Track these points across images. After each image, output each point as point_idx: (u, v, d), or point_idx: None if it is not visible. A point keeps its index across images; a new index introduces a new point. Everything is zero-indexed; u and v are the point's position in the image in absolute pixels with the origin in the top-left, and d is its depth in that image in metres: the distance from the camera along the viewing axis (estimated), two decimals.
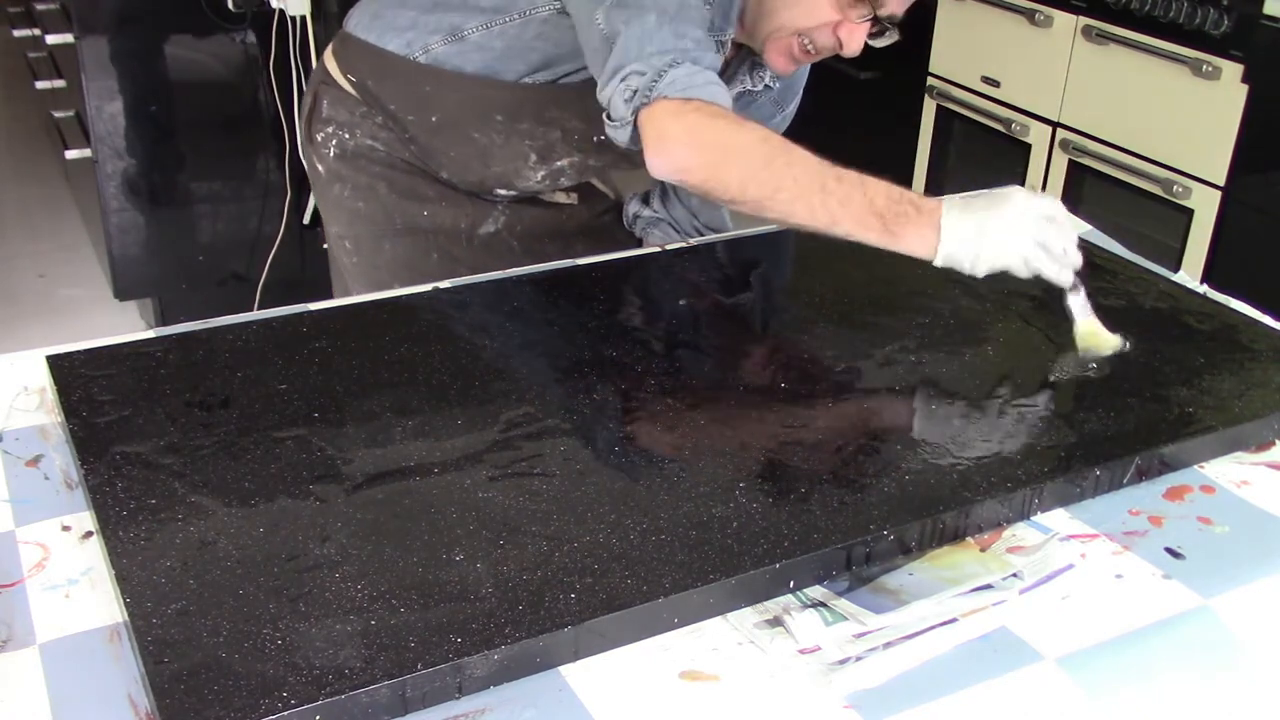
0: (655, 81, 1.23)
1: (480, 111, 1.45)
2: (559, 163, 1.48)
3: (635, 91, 1.24)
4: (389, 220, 1.55)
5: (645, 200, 1.64)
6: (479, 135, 1.46)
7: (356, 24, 1.52)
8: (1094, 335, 1.26)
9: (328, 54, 1.57)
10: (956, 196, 1.22)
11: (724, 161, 1.23)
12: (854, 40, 1.33)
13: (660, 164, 1.26)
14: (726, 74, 1.49)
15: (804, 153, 1.22)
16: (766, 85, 1.52)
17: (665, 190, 1.64)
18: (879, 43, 1.37)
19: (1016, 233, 1.18)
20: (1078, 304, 1.26)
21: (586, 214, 1.60)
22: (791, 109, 1.61)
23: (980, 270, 1.20)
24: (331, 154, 1.55)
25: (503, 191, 1.53)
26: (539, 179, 1.50)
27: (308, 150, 1.60)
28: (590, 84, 1.40)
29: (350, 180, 1.55)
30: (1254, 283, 2.32)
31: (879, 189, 1.21)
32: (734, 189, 1.23)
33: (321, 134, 1.56)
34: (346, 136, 1.54)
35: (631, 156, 1.49)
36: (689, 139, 1.23)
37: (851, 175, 1.22)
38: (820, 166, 1.22)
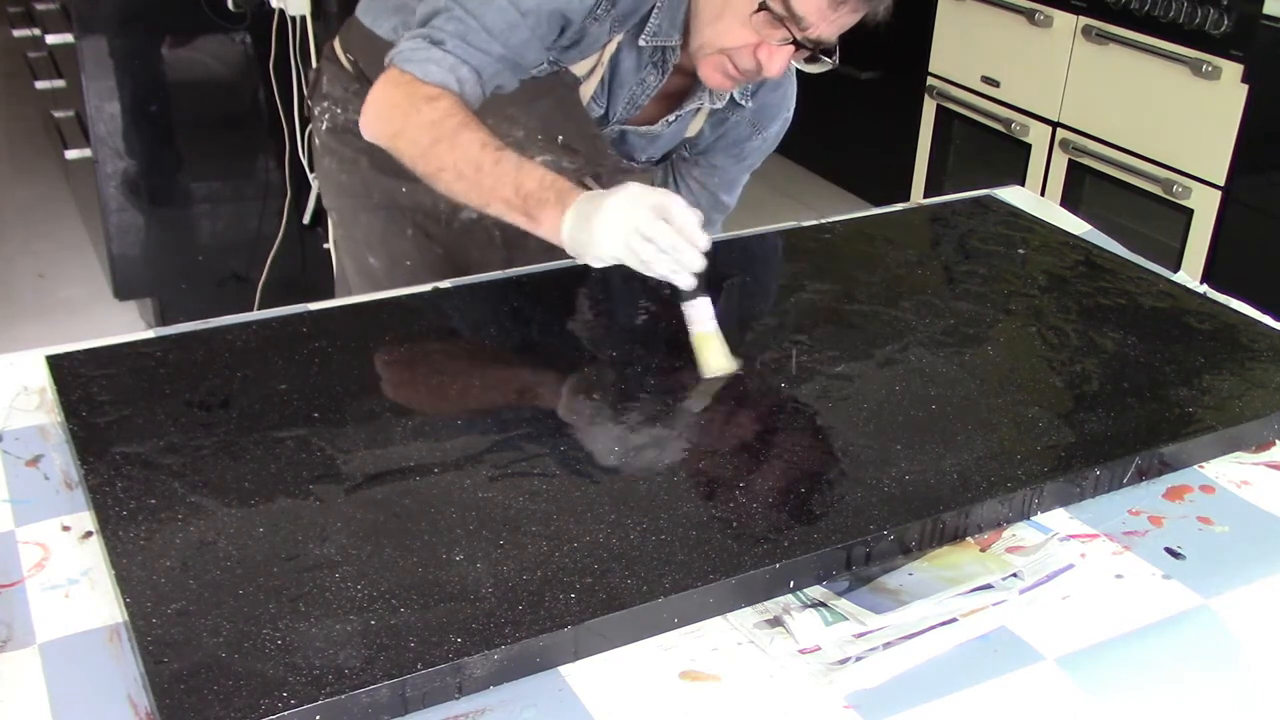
0: (395, 53, 1.32)
1: None
2: (536, 159, 1.49)
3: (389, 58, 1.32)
4: (367, 193, 1.57)
5: None
6: None
7: (360, 6, 1.56)
8: (705, 350, 1.18)
9: (338, 34, 1.61)
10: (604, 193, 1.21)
11: (399, 136, 1.31)
12: (774, 63, 1.31)
13: (361, 127, 1.35)
14: (692, 91, 1.47)
15: (473, 134, 1.25)
16: (735, 102, 1.50)
17: None
18: (811, 68, 1.34)
19: (617, 223, 1.15)
20: (694, 311, 1.19)
21: None
22: (773, 131, 1.58)
23: (591, 259, 1.19)
24: (324, 127, 1.59)
25: None
26: None
27: (311, 125, 1.66)
28: (540, 84, 1.40)
29: (337, 153, 1.59)
30: (1254, 283, 2.33)
31: (532, 175, 1.23)
32: (408, 163, 1.31)
33: (319, 108, 1.60)
34: (338, 111, 1.57)
35: (610, 161, 1.50)
36: (375, 109, 1.32)
37: (510, 159, 1.24)
38: (482, 150, 1.24)
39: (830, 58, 1.32)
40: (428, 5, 1.33)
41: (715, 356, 1.18)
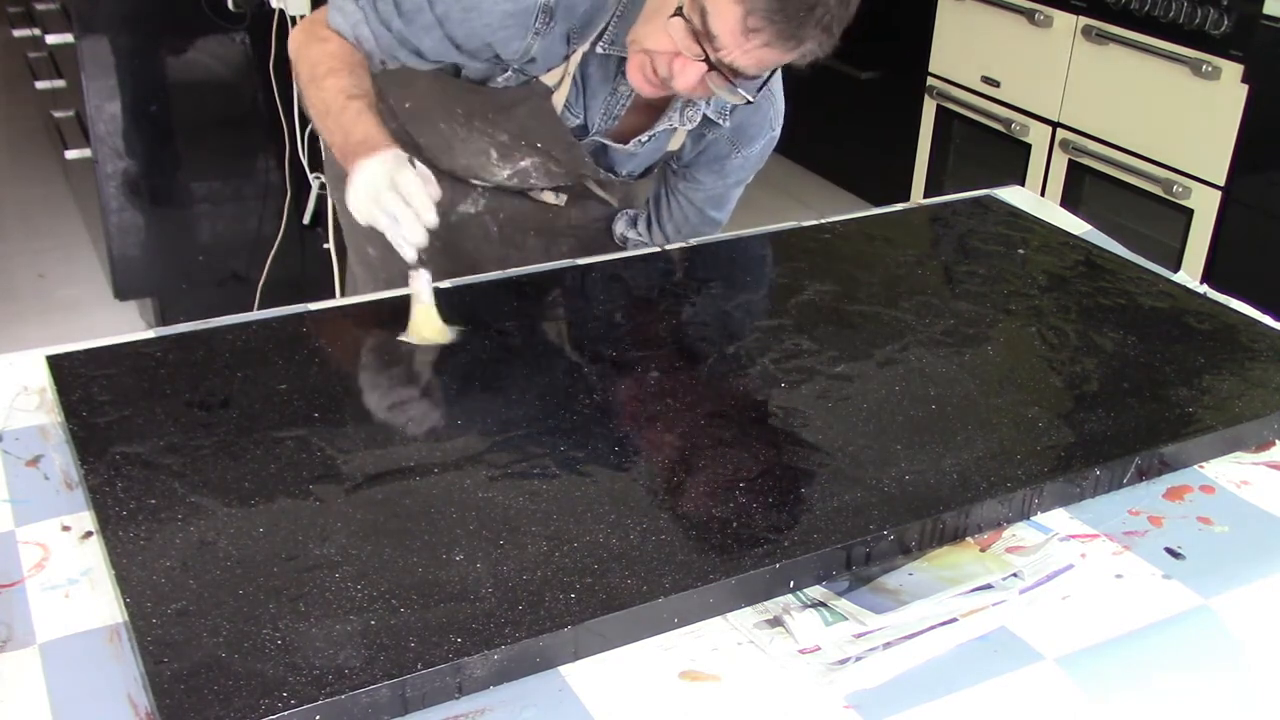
0: None
1: (443, 103, 1.47)
2: (522, 163, 1.49)
3: None
4: None
5: (633, 223, 1.64)
6: (444, 126, 1.49)
7: None
8: (421, 321, 1.24)
9: None
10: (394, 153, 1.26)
11: (296, 63, 1.40)
12: (682, 77, 1.27)
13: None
14: (667, 109, 1.46)
15: (338, 81, 1.33)
16: (709, 119, 1.47)
17: (651, 217, 1.64)
18: (729, 98, 1.30)
19: (361, 191, 1.24)
20: (414, 283, 1.25)
21: (579, 216, 1.60)
22: (755, 150, 1.55)
23: (359, 220, 1.27)
24: None
25: (477, 181, 1.54)
26: (505, 176, 1.51)
27: None
28: (514, 93, 1.40)
29: None
30: (1254, 283, 2.33)
31: (359, 126, 1.29)
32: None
33: None
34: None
35: (588, 169, 1.49)
36: (294, 34, 1.43)
37: (354, 109, 1.31)
38: (336, 96, 1.32)
39: (743, 91, 1.27)
40: None
41: (427, 327, 1.23)
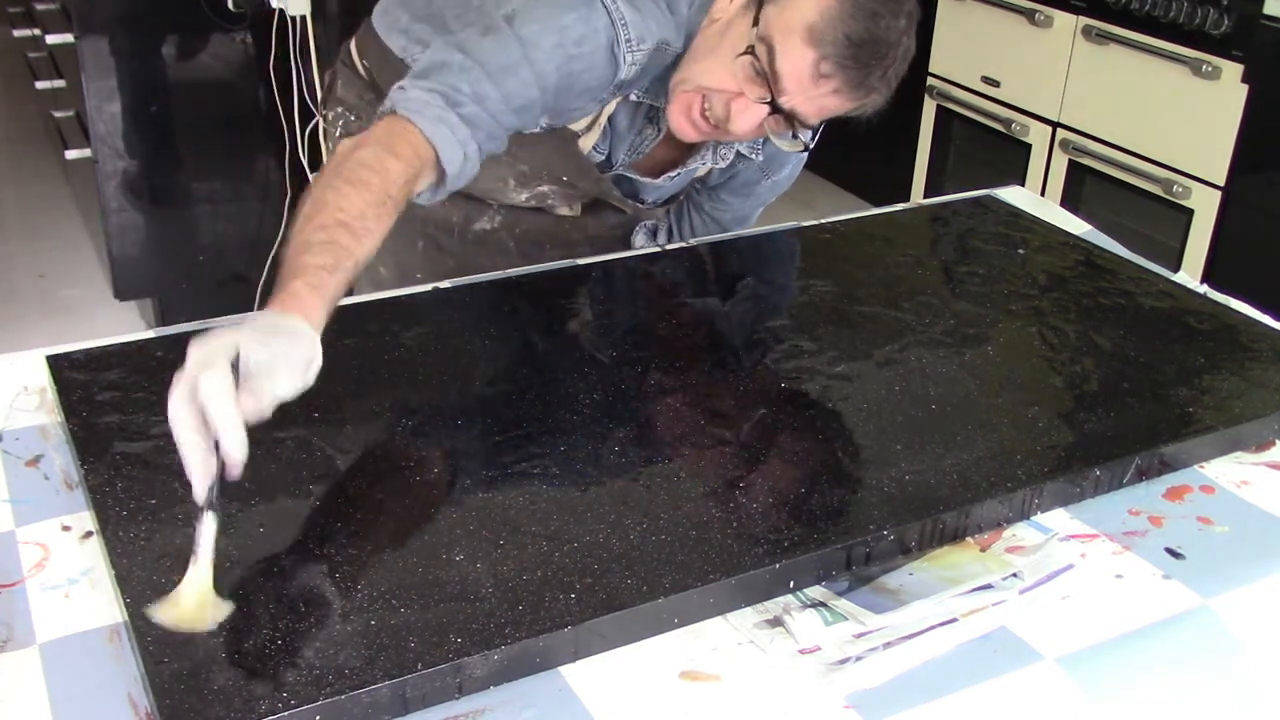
0: (400, 98, 1.18)
1: None
2: (540, 188, 1.48)
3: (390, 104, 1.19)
4: None
5: (652, 234, 1.64)
6: None
7: (375, 13, 1.53)
8: (190, 593, 0.84)
9: (354, 36, 1.58)
10: (273, 317, 0.97)
11: (347, 149, 1.16)
12: (741, 120, 1.23)
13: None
14: (697, 149, 1.45)
15: (349, 195, 1.10)
16: (741, 155, 1.47)
17: (673, 230, 1.64)
18: (785, 145, 1.28)
19: (189, 368, 0.89)
20: (200, 533, 0.85)
21: (595, 226, 1.59)
22: (784, 175, 1.55)
23: None
24: (338, 133, 1.57)
25: (492, 201, 1.53)
26: (524, 199, 1.50)
27: (324, 128, 1.62)
28: (539, 134, 1.39)
29: None
30: (1254, 283, 2.33)
31: (302, 259, 1.05)
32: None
33: (332, 113, 1.57)
34: (352, 118, 1.54)
35: (614, 199, 1.49)
36: (365, 134, 1.17)
37: (322, 235, 1.07)
38: (326, 210, 1.09)
39: (800, 138, 1.24)
40: (440, 53, 1.22)
41: (189, 599, 0.84)
